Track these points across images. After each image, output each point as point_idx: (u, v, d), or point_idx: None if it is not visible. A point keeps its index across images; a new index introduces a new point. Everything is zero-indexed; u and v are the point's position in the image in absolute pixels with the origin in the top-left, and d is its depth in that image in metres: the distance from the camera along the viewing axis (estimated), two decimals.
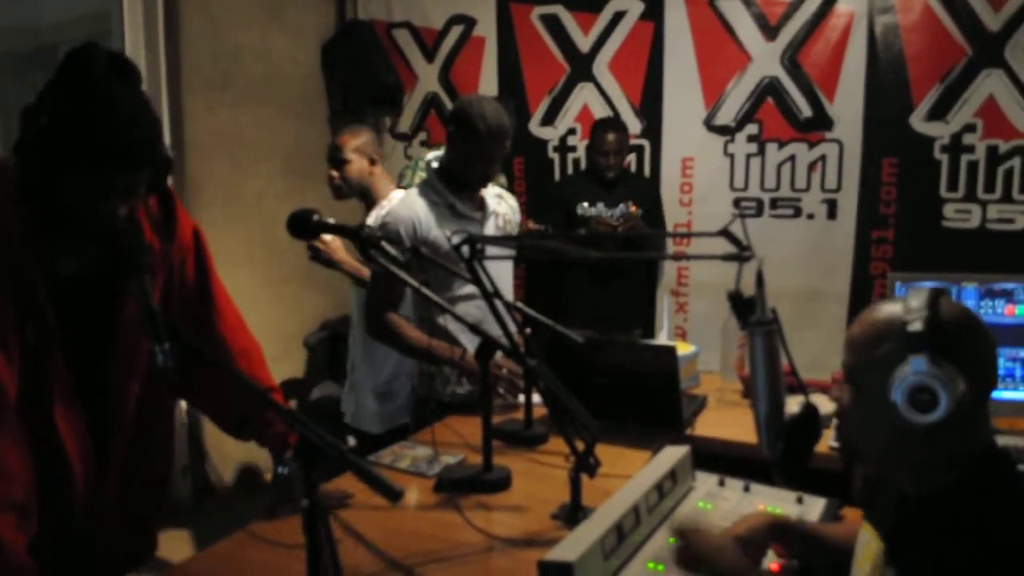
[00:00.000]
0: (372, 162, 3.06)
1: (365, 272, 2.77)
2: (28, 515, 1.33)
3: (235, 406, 1.69)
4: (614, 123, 3.90)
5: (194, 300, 1.65)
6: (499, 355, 2.17)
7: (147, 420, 1.56)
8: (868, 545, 1.24)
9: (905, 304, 1.15)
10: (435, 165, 2.68)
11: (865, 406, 1.19)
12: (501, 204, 2.71)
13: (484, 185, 2.63)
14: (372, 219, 2.89)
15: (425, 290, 1.88)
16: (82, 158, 1.28)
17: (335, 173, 3.06)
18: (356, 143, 3.04)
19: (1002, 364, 2.30)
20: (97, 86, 1.28)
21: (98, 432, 1.47)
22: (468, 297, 2.50)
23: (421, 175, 3.33)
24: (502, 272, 2.60)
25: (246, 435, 1.78)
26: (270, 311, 4.11)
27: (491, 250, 2.33)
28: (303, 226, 1.83)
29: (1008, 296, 2.33)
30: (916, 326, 1.11)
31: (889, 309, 1.18)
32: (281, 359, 4.25)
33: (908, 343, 1.11)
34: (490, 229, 2.61)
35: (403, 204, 2.54)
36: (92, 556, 1.51)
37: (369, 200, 3.05)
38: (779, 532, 1.44)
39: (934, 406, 1.08)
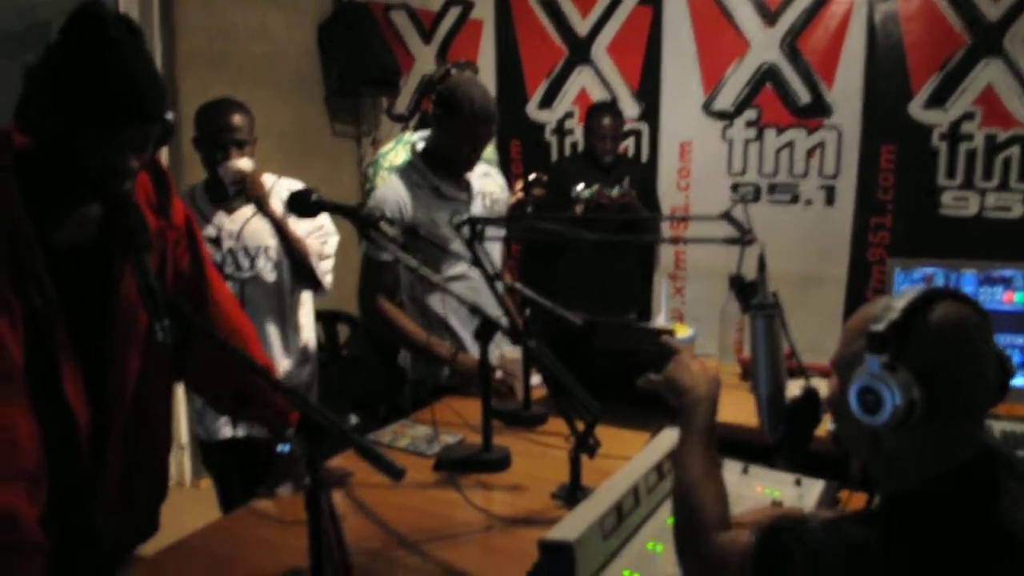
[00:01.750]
0: None
1: (289, 229, 2.55)
2: (39, 486, 1.33)
3: (232, 386, 1.68)
4: (609, 107, 3.89)
5: (188, 280, 1.64)
6: (498, 356, 2.18)
7: (147, 397, 1.55)
8: None
9: (890, 302, 1.13)
10: (420, 147, 2.68)
11: (839, 398, 1.20)
12: (488, 182, 2.70)
13: (470, 168, 2.62)
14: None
15: (425, 270, 1.88)
16: (100, 110, 1.28)
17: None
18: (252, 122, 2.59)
19: None
20: (112, 38, 1.28)
21: (98, 407, 1.45)
22: (456, 278, 2.50)
23: (384, 175, 3.29)
24: (492, 253, 2.61)
25: (243, 415, 1.77)
26: None
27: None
28: (302, 205, 1.82)
29: (1007, 283, 2.33)
30: (879, 326, 1.09)
31: (878, 305, 1.17)
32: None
33: (869, 342, 1.10)
34: (477, 210, 2.60)
35: (388, 187, 2.53)
36: (93, 535, 1.50)
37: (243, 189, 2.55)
38: None
39: (878, 409, 1.08)
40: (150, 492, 1.66)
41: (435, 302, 2.53)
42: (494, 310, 2.37)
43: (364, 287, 2.51)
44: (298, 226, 2.55)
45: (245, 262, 2.53)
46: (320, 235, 2.64)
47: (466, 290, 2.44)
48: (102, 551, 1.53)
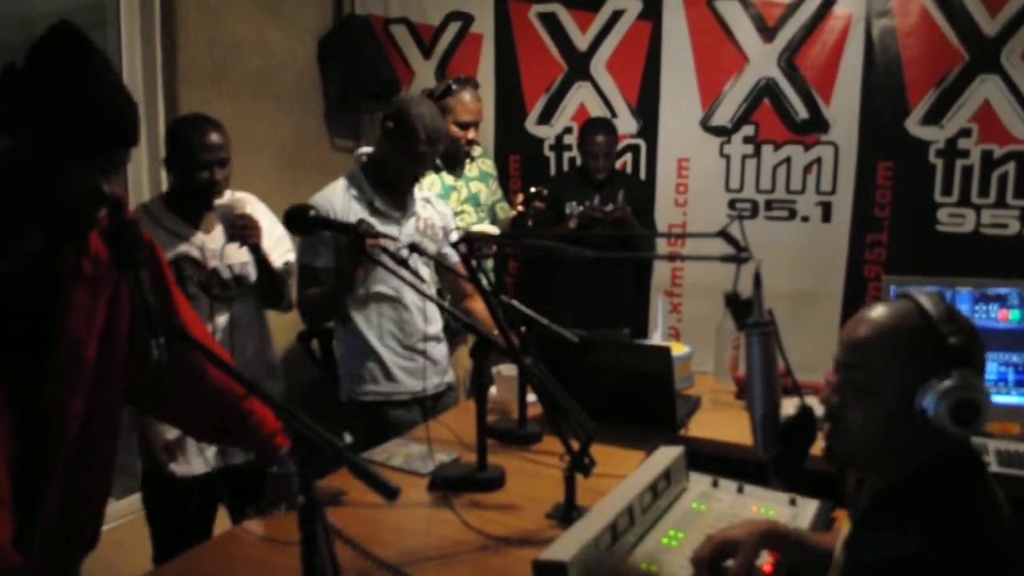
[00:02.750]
0: None
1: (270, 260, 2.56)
2: (6, 507, 1.28)
3: (213, 413, 1.62)
4: (603, 124, 3.89)
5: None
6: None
7: (92, 443, 1.42)
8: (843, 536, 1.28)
9: (924, 311, 1.18)
10: (364, 160, 2.70)
11: (880, 410, 1.20)
12: (427, 208, 2.73)
13: (411, 185, 2.66)
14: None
15: (422, 286, 1.88)
16: (90, 135, 1.24)
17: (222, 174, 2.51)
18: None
19: (995, 369, 2.31)
20: (94, 63, 1.26)
21: (34, 455, 1.33)
22: (380, 296, 2.61)
23: None
24: (421, 271, 2.63)
25: (226, 442, 1.74)
26: None
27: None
28: (301, 222, 1.83)
29: (1002, 301, 2.34)
30: (955, 339, 1.15)
31: (906, 315, 1.20)
32: (275, 354, 4.24)
33: (947, 356, 1.15)
34: (408, 231, 2.62)
35: (323, 193, 2.61)
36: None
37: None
38: (773, 540, 1.44)
39: (975, 418, 1.12)
40: (80, 543, 1.51)
41: (360, 320, 2.61)
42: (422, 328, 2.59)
43: (300, 292, 2.59)
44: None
45: (232, 281, 2.49)
46: (283, 252, 2.62)
47: (392, 311, 2.59)
48: None
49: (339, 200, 2.55)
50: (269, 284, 2.54)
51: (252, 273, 2.52)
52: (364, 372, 2.63)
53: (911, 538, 1.09)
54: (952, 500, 1.14)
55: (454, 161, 3.57)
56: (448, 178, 3.56)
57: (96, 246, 1.39)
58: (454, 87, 3.57)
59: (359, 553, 1.34)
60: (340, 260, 2.40)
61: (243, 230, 2.38)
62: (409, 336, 2.64)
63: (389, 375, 2.62)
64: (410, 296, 2.60)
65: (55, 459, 1.36)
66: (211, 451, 2.42)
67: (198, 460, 2.42)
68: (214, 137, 2.43)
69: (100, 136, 1.26)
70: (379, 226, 2.48)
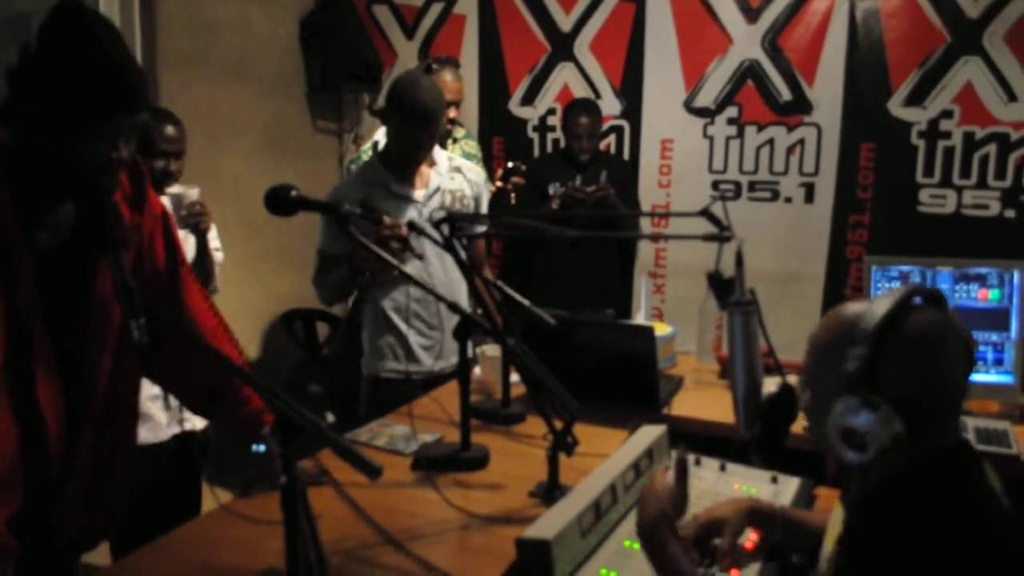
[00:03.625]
0: None
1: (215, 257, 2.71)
2: (11, 489, 1.31)
3: (205, 383, 1.66)
4: (587, 105, 3.88)
5: (163, 276, 1.62)
6: (387, 219, 2.27)
7: (117, 396, 1.53)
8: (836, 525, 1.27)
9: (855, 330, 1.13)
10: (381, 144, 2.70)
11: (812, 408, 1.21)
12: (455, 179, 2.70)
13: (416, 165, 2.62)
14: None
15: (404, 269, 1.87)
16: (97, 100, 1.28)
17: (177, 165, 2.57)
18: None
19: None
20: (98, 32, 1.29)
21: (69, 407, 1.44)
22: (395, 280, 2.61)
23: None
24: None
25: (215, 413, 1.75)
26: (246, 289, 4.07)
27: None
28: (281, 202, 1.81)
29: (982, 281, 2.36)
30: (850, 365, 1.11)
31: (835, 327, 1.18)
32: (257, 337, 4.23)
33: (844, 383, 1.12)
34: (431, 207, 2.61)
35: (342, 183, 2.69)
36: (49, 535, 1.46)
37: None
38: (757, 517, 1.45)
39: (864, 448, 1.10)
40: (116, 493, 1.61)
41: (387, 304, 2.62)
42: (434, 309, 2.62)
43: (315, 275, 2.64)
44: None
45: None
46: (213, 236, 2.70)
47: (411, 289, 2.59)
48: (53, 551, 1.49)
49: (355, 187, 2.54)
50: (204, 268, 2.62)
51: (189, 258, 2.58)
52: (386, 349, 2.64)
53: (888, 553, 1.07)
54: (931, 509, 1.09)
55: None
56: None
57: (122, 210, 1.48)
58: (434, 67, 3.56)
59: (374, 529, 1.35)
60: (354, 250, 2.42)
61: (197, 216, 2.49)
62: (434, 315, 2.64)
63: (411, 354, 2.62)
64: (437, 276, 2.60)
65: (90, 411, 1.47)
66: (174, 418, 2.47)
67: (166, 429, 2.46)
68: (171, 130, 2.52)
69: (105, 101, 1.29)
70: (396, 209, 2.51)
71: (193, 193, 2.49)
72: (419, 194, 2.60)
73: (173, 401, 2.08)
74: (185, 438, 2.49)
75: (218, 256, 2.78)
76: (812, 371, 1.22)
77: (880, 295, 1.18)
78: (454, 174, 2.70)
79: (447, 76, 3.54)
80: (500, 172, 3.52)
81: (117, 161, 1.35)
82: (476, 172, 2.82)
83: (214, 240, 2.74)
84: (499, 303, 2.16)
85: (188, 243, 2.56)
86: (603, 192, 3.59)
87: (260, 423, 1.69)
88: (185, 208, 2.46)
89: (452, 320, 1.93)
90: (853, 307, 1.19)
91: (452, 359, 2.66)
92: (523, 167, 3.52)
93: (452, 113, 3.55)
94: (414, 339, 2.63)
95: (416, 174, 2.62)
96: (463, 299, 2.68)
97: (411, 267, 2.49)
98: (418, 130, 2.48)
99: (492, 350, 2.58)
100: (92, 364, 1.47)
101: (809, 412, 1.24)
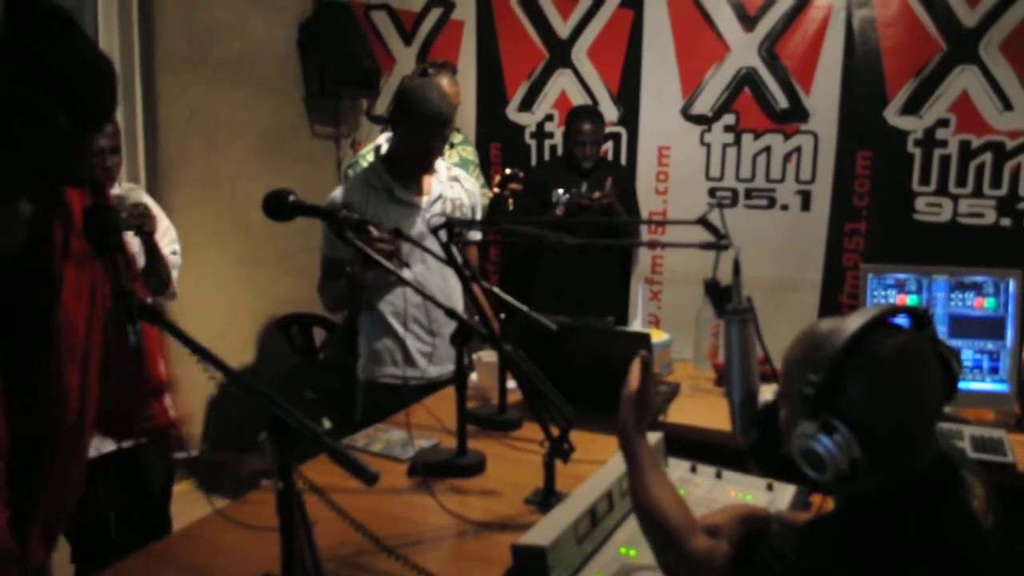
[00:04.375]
0: None
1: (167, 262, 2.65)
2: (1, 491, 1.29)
3: (110, 403, 1.55)
4: (590, 112, 3.88)
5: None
6: (373, 231, 2.25)
7: (86, 412, 1.43)
8: None
9: (819, 352, 1.12)
10: (384, 149, 2.70)
11: (786, 426, 1.21)
12: (455, 188, 2.71)
13: (424, 171, 2.62)
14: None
15: (402, 273, 1.87)
16: (87, 103, 1.20)
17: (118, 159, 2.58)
18: None
19: (970, 356, 2.34)
20: (72, 24, 1.18)
21: (35, 429, 1.34)
22: (396, 284, 2.59)
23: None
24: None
25: (116, 433, 1.72)
26: (243, 293, 4.07)
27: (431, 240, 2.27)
28: (279, 207, 1.81)
29: (978, 289, 2.36)
30: (809, 389, 1.10)
31: (803, 344, 1.18)
32: (253, 341, 4.23)
33: (802, 406, 1.12)
34: (433, 213, 2.60)
35: (342, 187, 2.63)
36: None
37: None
38: (752, 524, 1.45)
39: (822, 469, 1.10)
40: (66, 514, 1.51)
41: (385, 308, 2.61)
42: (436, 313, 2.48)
43: (320, 282, 2.62)
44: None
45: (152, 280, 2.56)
46: (170, 241, 2.68)
47: (409, 295, 2.55)
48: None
49: (357, 193, 2.54)
50: (156, 272, 2.58)
51: (140, 262, 2.55)
52: (384, 354, 2.63)
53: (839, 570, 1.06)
54: (885, 535, 1.08)
55: None
56: None
57: (80, 223, 1.37)
58: (431, 72, 3.56)
59: (364, 535, 1.35)
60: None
61: (140, 218, 2.42)
62: (432, 321, 2.63)
63: (409, 358, 2.62)
64: (435, 282, 2.59)
65: (56, 433, 1.38)
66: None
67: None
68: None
69: (95, 103, 1.22)
70: (400, 215, 2.51)
71: (136, 195, 2.47)
72: (422, 200, 2.61)
73: None
74: (126, 453, 2.36)
75: (174, 260, 2.72)
76: (784, 387, 1.23)
77: (856, 312, 1.16)
78: (453, 183, 2.70)
79: (443, 81, 3.54)
80: (498, 179, 3.52)
81: (93, 155, 1.27)
82: (472, 182, 2.83)
83: (172, 244, 2.70)
84: (496, 309, 2.16)
85: (134, 246, 2.49)
86: (608, 199, 3.59)
87: (167, 436, 1.66)
88: (127, 210, 2.41)
89: (449, 326, 1.92)
90: (825, 325, 1.17)
91: (449, 365, 2.65)
92: (521, 174, 3.52)
93: None
94: (412, 344, 2.62)
95: (419, 181, 2.62)
96: (459, 305, 2.68)
97: (409, 273, 2.49)
98: (430, 134, 2.48)
99: (489, 356, 2.58)
100: (60, 382, 1.37)
101: (784, 428, 1.25)
